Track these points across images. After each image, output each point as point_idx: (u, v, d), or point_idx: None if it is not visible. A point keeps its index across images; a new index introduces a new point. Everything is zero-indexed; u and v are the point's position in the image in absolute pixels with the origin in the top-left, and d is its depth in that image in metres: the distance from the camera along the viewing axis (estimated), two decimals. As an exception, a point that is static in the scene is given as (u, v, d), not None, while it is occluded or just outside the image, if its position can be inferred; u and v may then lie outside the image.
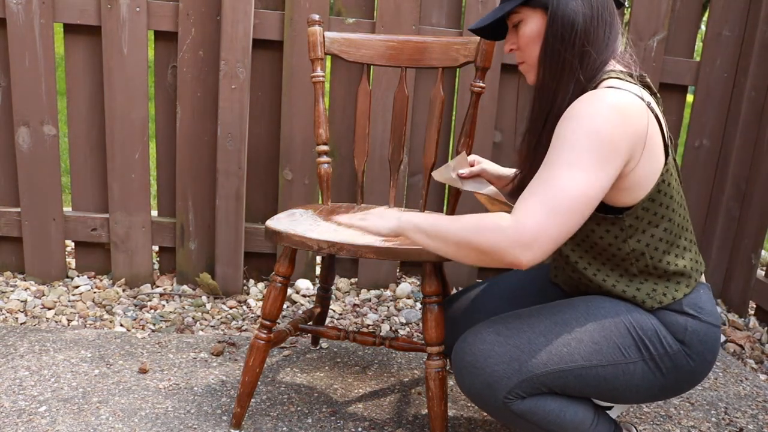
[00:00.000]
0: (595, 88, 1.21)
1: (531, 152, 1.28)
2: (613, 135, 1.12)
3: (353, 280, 2.43)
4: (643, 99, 1.17)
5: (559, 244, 1.11)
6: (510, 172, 1.58)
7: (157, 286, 2.28)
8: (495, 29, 1.39)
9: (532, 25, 1.25)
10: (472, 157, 1.59)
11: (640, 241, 1.23)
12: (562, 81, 1.23)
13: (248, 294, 2.30)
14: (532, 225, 1.09)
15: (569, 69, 1.22)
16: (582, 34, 1.21)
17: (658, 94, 1.30)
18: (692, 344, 1.24)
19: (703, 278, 1.32)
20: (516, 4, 1.24)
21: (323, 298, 1.83)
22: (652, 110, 1.19)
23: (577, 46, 1.21)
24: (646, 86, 1.27)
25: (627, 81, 1.20)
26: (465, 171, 1.53)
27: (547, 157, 1.17)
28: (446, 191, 2.50)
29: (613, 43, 1.24)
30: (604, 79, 1.21)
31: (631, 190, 1.19)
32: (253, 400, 1.65)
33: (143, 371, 1.74)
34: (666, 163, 1.21)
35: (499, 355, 1.22)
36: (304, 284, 2.34)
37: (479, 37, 1.66)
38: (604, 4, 1.22)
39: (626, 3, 1.44)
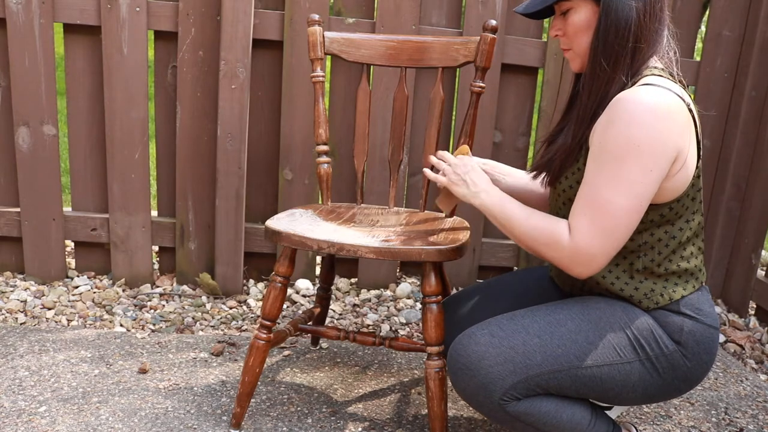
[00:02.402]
0: (633, 84, 1.20)
1: (573, 143, 1.26)
2: (655, 138, 1.12)
3: (353, 280, 2.43)
4: (683, 99, 1.16)
5: (615, 254, 1.20)
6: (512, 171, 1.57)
7: (157, 286, 2.28)
8: (540, 10, 1.35)
9: (582, 14, 1.23)
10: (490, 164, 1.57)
11: (654, 235, 1.23)
12: (615, 74, 1.21)
13: (248, 294, 2.30)
14: (586, 248, 1.18)
15: (622, 63, 1.20)
16: (636, 29, 1.19)
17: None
18: (688, 345, 1.24)
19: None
20: None
21: (323, 298, 1.83)
22: (691, 111, 1.18)
23: (630, 41, 1.19)
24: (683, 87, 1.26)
25: (666, 78, 1.19)
26: None
27: (592, 171, 1.17)
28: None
29: (661, 37, 1.23)
30: (644, 75, 1.20)
31: (671, 190, 1.19)
32: (253, 400, 1.65)
33: (143, 371, 1.74)
34: (698, 166, 1.21)
35: (494, 357, 1.21)
36: (304, 284, 2.34)
37: (479, 37, 1.66)
38: None
39: None
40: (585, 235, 1.18)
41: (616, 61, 1.21)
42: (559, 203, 1.32)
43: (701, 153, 1.24)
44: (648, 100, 1.12)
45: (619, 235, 1.17)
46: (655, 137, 1.12)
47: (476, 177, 1.34)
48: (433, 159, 1.42)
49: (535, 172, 1.38)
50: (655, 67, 1.22)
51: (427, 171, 1.41)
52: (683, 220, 1.23)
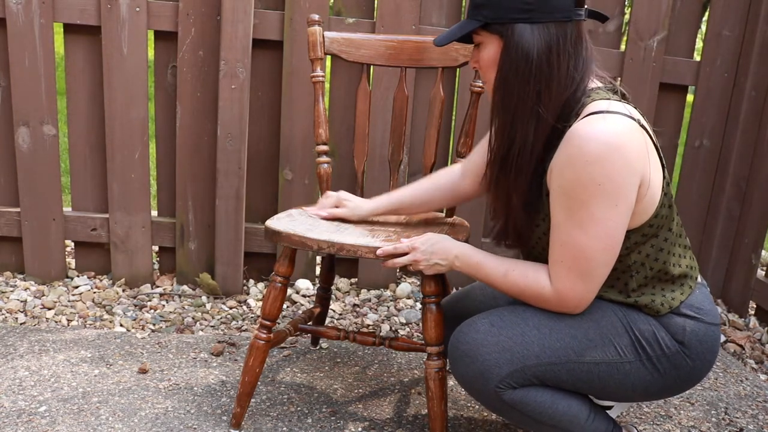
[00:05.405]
0: (578, 115, 1.16)
1: (509, 182, 1.24)
2: (616, 173, 1.10)
3: (353, 280, 2.43)
4: (632, 117, 1.13)
5: (602, 284, 1.21)
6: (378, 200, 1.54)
7: (157, 286, 2.28)
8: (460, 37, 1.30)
9: (490, 50, 1.21)
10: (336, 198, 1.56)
11: (641, 252, 1.23)
12: (517, 116, 1.19)
13: (248, 294, 2.30)
14: (571, 293, 1.20)
15: (526, 105, 1.17)
16: (536, 70, 1.15)
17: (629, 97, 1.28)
18: (691, 345, 1.24)
19: (699, 278, 1.32)
20: (474, 27, 1.21)
21: (323, 298, 1.83)
22: (643, 127, 1.16)
23: (532, 82, 1.16)
24: (623, 96, 1.23)
25: (612, 100, 1.15)
26: (323, 212, 1.53)
27: (559, 215, 1.16)
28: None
29: (583, 72, 1.19)
30: (587, 104, 1.16)
31: (643, 213, 1.18)
32: (253, 400, 1.65)
33: (143, 371, 1.74)
34: (664, 176, 1.21)
35: (492, 345, 1.23)
36: (304, 284, 2.34)
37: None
38: (565, 34, 1.16)
39: (609, 16, 1.38)
40: (566, 282, 1.19)
41: (517, 102, 1.18)
42: (539, 248, 1.30)
43: (664, 162, 1.22)
44: (601, 131, 1.09)
45: (600, 272, 1.18)
46: (615, 171, 1.10)
47: (440, 248, 1.31)
48: (398, 261, 1.33)
49: (497, 240, 1.35)
50: (594, 89, 1.18)
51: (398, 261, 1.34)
52: (665, 229, 1.23)
